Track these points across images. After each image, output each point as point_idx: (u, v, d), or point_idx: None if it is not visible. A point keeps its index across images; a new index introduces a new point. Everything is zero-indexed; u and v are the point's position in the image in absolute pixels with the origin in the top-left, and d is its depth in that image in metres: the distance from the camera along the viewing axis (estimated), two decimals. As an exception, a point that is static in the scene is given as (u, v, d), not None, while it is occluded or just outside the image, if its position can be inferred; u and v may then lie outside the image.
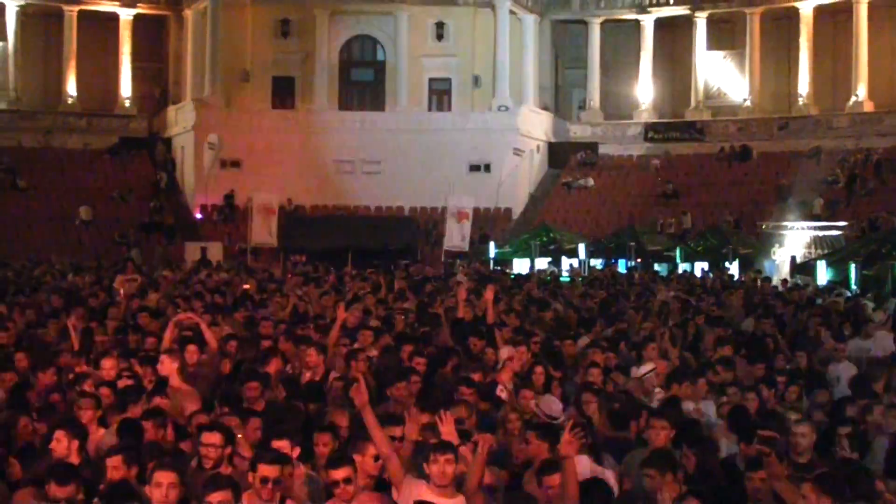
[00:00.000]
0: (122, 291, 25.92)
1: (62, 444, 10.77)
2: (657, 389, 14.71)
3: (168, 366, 14.05)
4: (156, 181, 62.55)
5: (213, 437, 10.37)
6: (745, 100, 66.85)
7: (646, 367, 15.77)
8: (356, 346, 16.89)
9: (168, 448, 11.11)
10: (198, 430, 11.00)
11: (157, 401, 12.78)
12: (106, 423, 12.31)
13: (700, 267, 46.69)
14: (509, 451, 11.61)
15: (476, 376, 14.36)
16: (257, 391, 13.42)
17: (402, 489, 9.54)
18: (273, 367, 15.16)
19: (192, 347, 15.66)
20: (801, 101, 65.15)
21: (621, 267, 46.59)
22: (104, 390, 13.34)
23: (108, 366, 14.79)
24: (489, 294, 20.00)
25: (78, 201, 58.66)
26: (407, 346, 16.77)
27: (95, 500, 9.48)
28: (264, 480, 9.34)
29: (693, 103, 68.08)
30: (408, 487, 9.48)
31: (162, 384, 13.47)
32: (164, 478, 9.00)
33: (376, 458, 9.85)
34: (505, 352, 16.37)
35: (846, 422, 12.36)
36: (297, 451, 10.51)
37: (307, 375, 15.28)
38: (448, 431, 9.98)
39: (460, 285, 25.72)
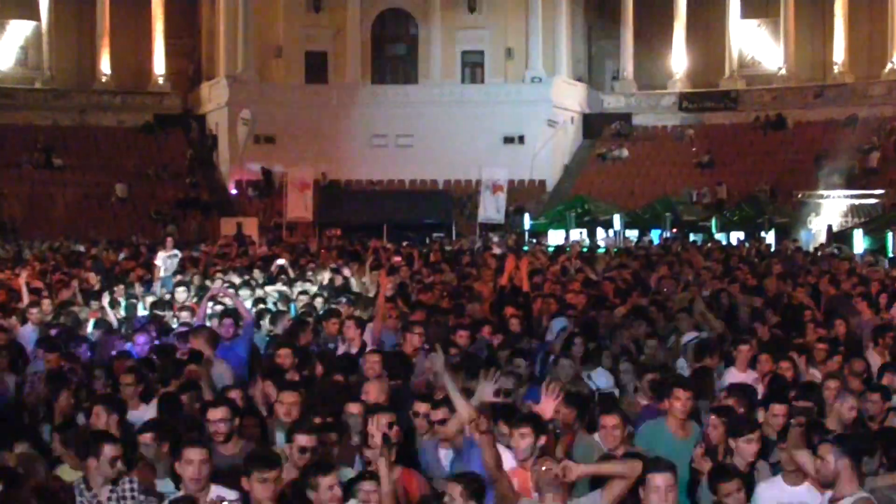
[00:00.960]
0: (160, 267, 26.07)
1: (101, 419, 10.83)
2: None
3: (201, 340, 14.10)
4: (188, 158, 62.66)
5: (219, 413, 10.42)
6: (779, 68, 66.41)
7: (687, 337, 15.65)
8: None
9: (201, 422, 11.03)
10: (202, 407, 11.01)
11: (191, 373, 12.88)
12: (148, 398, 12.37)
13: (736, 237, 46.53)
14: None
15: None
16: (289, 359, 13.54)
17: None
18: (304, 339, 15.26)
19: (227, 321, 15.71)
20: (836, 68, 64.67)
21: (656, 237, 46.50)
22: (140, 365, 13.42)
23: (143, 341, 14.89)
24: (522, 264, 19.99)
25: (113, 179, 58.91)
26: (443, 318, 16.81)
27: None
28: (302, 450, 9.44)
29: (727, 72, 67.68)
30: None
31: (196, 357, 13.51)
32: (195, 454, 8.99)
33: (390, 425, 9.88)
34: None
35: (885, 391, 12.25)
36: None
37: (342, 348, 15.30)
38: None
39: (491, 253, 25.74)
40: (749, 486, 9.62)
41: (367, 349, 14.72)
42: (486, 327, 16.18)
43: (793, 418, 10.26)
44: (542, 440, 9.33)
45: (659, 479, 8.34)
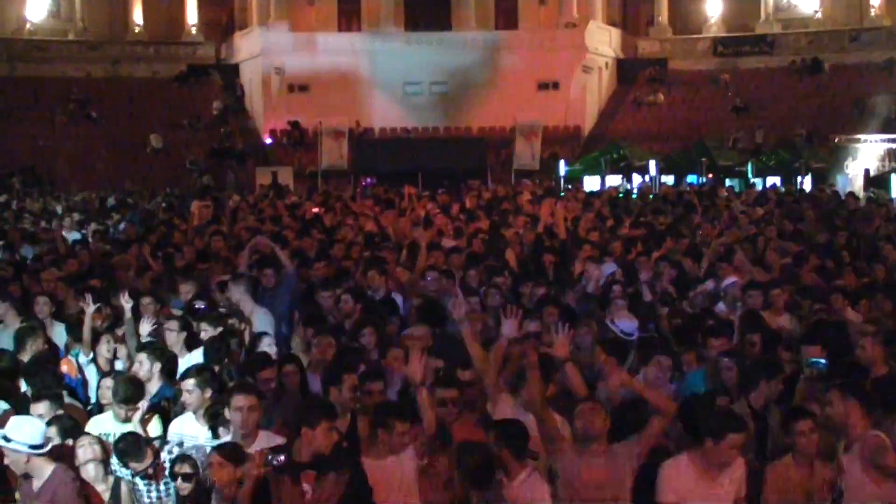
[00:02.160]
0: (196, 216, 26.06)
1: (144, 367, 10.92)
2: (738, 304, 14.53)
3: (241, 289, 14.16)
4: (221, 108, 62.64)
5: (268, 373, 10.48)
6: (815, 11, 65.93)
7: (727, 280, 15.58)
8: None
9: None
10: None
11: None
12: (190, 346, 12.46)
13: (772, 181, 46.29)
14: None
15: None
16: (331, 300, 13.79)
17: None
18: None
19: (268, 271, 15.74)
20: (873, 11, 64.15)
21: (692, 182, 46.26)
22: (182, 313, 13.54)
23: (186, 290, 14.95)
24: (558, 210, 19.91)
25: (148, 129, 58.95)
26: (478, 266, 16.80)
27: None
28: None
29: (763, 16, 67.20)
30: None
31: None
32: (244, 401, 9.03)
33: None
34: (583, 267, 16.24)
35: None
36: None
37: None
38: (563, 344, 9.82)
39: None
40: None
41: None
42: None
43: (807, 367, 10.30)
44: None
45: (736, 439, 8.42)
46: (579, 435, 8.73)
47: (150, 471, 9.06)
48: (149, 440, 9.56)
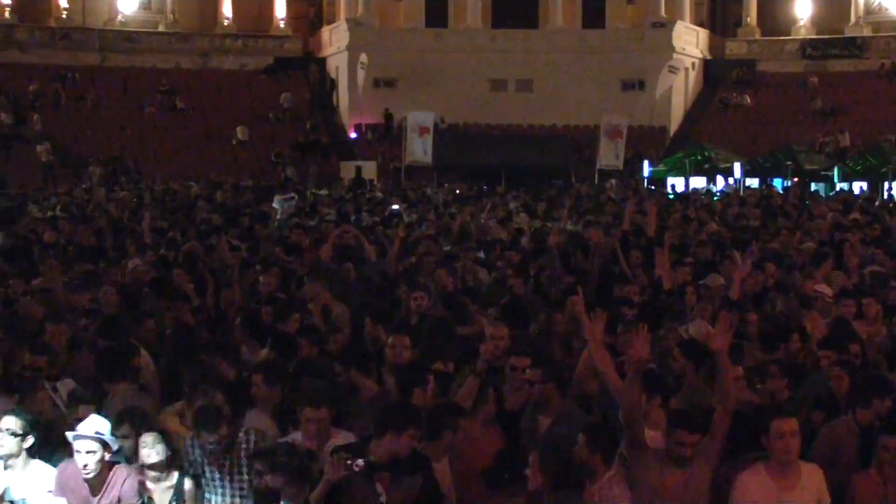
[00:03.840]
0: (279, 210, 26.24)
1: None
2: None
3: (318, 284, 14.20)
4: (309, 101, 62.96)
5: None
6: (906, 15, 65.17)
7: (821, 288, 15.33)
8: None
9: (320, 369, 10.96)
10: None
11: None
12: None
13: (859, 186, 45.76)
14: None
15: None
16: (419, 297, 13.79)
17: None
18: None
19: (348, 266, 15.76)
20: (965, 15, 63.32)
21: (777, 186, 45.86)
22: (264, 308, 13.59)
23: (267, 281, 14.98)
24: (651, 210, 19.79)
25: (234, 121, 59.36)
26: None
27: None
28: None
29: (853, 19, 66.46)
30: None
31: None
32: (313, 415, 8.81)
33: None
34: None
35: None
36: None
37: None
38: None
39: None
40: None
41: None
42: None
43: None
44: None
45: (784, 426, 8.32)
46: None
47: (223, 449, 8.84)
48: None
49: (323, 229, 21.66)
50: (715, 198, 39.35)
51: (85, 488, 8.65)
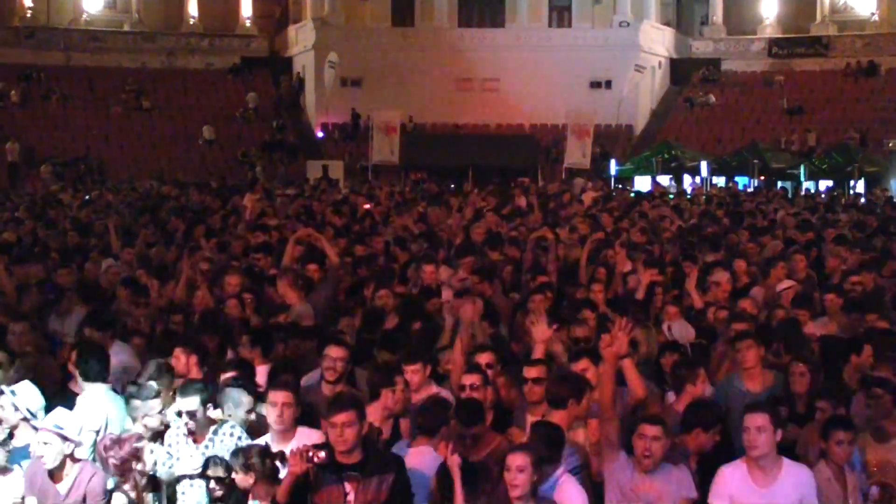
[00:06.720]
0: (249, 209, 26.06)
1: (181, 362, 10.85)
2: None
3: (285, 283, 14.17)
4: (275, 100, 62.90)
5: (339, 352, 10.49)
6: (872, 14, 65.43)
7: (783, 285, 15.37)
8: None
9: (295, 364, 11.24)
10: (319, 343, 11.10)
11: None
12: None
13: (825, 185, 45.99)
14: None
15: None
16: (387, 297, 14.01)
17: None
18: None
19: (312, 266, 15.69)
20: (930, 14, 63.61)
21: (742, 185, 46.07)
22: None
23: (234, 283, 14.89)
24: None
25: (201, 121, 59.27)
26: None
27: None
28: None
29: (818, 18, 66.75)
30: None
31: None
32: (280, 398, 8.87)
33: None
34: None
35: None
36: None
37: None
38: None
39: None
40: None
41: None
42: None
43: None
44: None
45: (749, 420, 8.40)
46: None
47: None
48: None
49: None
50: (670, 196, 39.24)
51: (51, 485, 8.71)
